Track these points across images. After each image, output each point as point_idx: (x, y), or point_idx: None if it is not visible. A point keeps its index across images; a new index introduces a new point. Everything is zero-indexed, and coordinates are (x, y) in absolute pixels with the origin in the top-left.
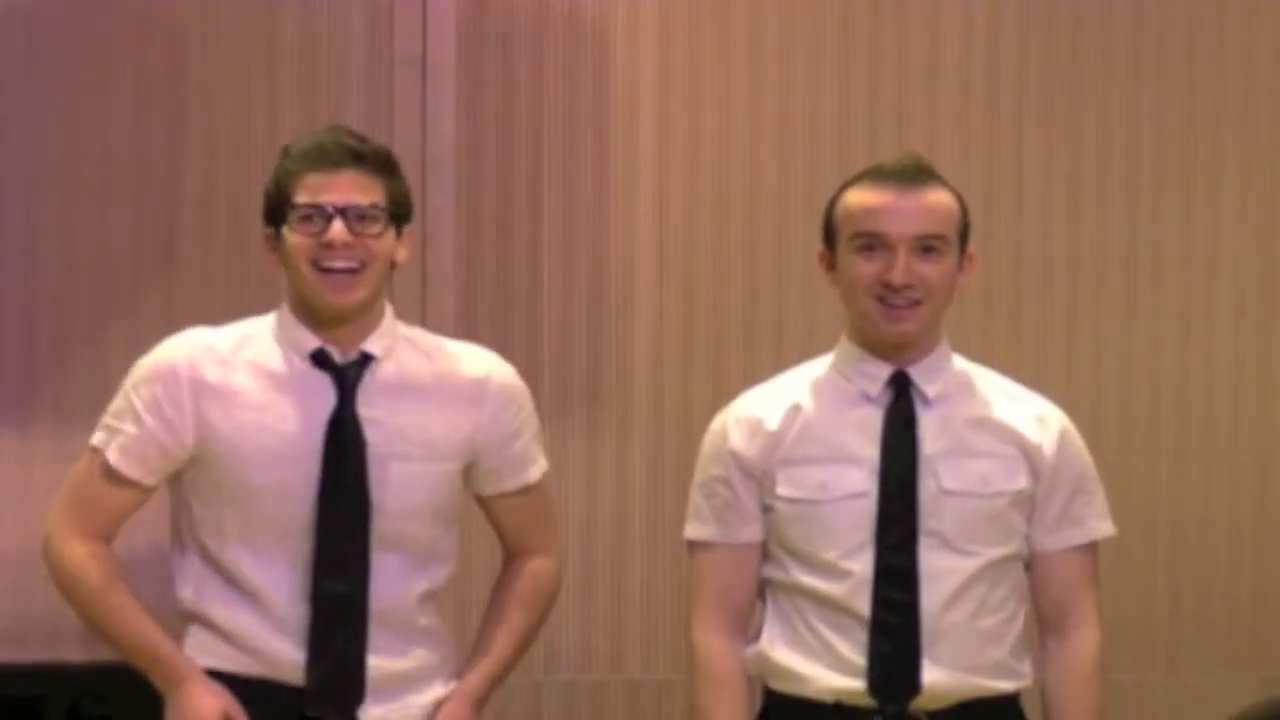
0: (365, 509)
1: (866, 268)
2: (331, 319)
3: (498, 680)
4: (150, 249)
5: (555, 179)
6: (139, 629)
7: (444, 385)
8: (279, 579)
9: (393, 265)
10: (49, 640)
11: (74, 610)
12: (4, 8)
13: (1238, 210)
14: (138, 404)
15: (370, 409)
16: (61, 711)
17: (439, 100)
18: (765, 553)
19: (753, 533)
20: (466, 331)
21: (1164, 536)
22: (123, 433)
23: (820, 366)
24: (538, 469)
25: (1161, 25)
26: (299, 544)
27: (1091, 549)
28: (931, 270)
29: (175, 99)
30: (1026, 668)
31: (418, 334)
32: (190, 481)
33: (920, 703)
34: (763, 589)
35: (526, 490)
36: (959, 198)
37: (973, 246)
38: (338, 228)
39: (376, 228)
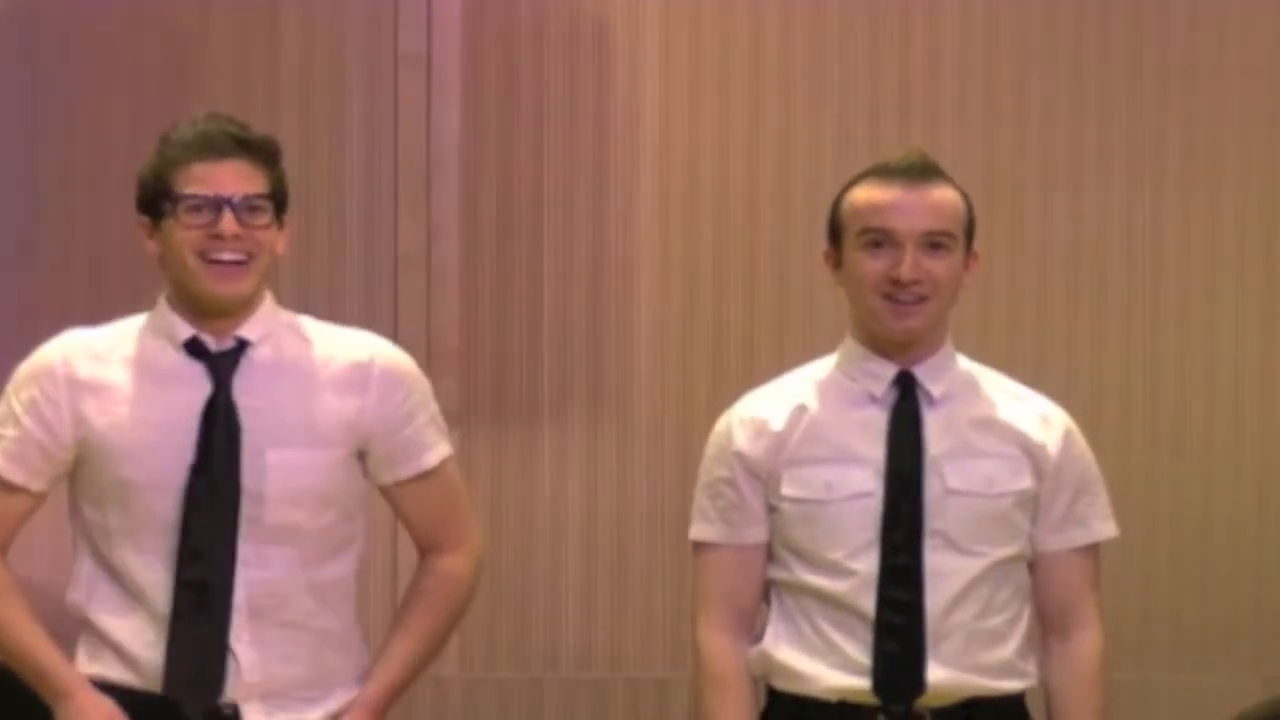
0: (235, 496)
1: (874, 264)
2: (214, 310)
3: (399, 689)
4: (135, 251)
5: (559, 177)
6: (23, 639)
7: (325, 369)
8: (160, 578)
9: (274, 255)
10: None
11: None
12: (1, 9)
13: (1239, 207)
14: (16, 407)
15: (248, 396)
16: None
17: (443, 99)
18: (770, 553)
19: (758, 534)
20: (471, 329)
21: (1165, 536)
22: (5, 438)
23: (825, 366)
24: (436, 454)
25: (1163, 21)
26: (175, 540)
27: (1094, 550)
28: (938, 266)
29: (175, 99)
30: (1032, 667)
31: (302, 320)
32: (76, 483)
33: (924, 701)
34: (767, 589)
35: (424, 476)
36: (964, 195)
37: (977, 244)
38: (229, 219)
39: (265, 218)
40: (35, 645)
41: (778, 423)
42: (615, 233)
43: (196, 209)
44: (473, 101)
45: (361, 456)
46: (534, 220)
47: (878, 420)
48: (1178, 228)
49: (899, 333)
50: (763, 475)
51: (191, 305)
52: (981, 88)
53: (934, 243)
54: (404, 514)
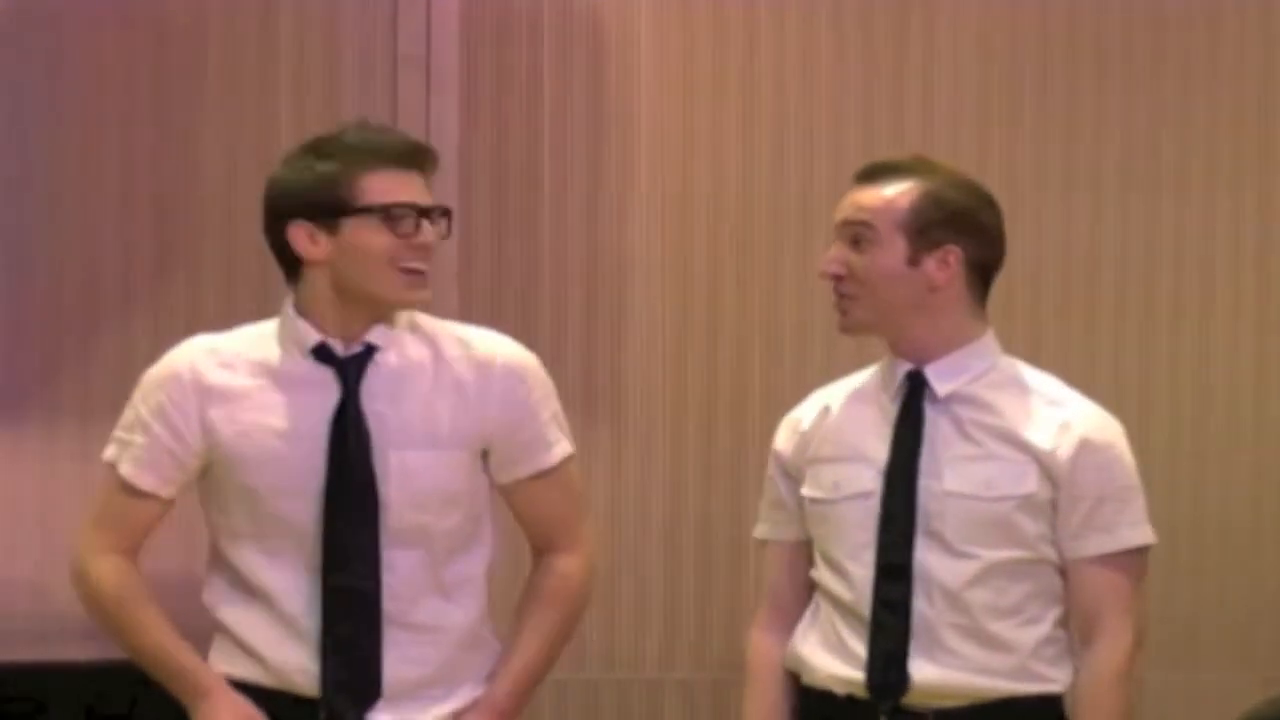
0: (373, 502)
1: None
2: (384, 315)
3: (526, 688)
4: (143, 250)
5: (559, 179)
6: (158, 640)
7: (448, 371)
8: (291, 581)
9: None
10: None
11: (100, 627)
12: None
13: (1259, 206)
14: (145, 413)
15: (374, 402)
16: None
17: (442, 100)
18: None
19: (796, 531)
20: None
21: (1167, 536)
22: (134, 444)
23: (871, 369)
24: (559, 451)
25: (1181, 22)
26: (310, 545)
27: (1123, 557)
28: (858, 260)
29: (172, 100)
30: (1058, 673)
31: (422, 319)
32: (204, 487)
33: (916, 700)
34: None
35: (543, 475)
36: (929, 195)
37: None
38: (428, 229)
39: (444, 230)
40: (171, 646)
41: (807, 422)
42: (612, 233)
43: (400, 218)
44: (471, 103)
45: (484, 455)
46: (532, 221)
47: (886, 419)
48: (1199, 229)
49: (841, 330)
50: (793, 474)
51: (363, 309)
52: (975, 90)
53: (852, 235)
54: (521, 513)
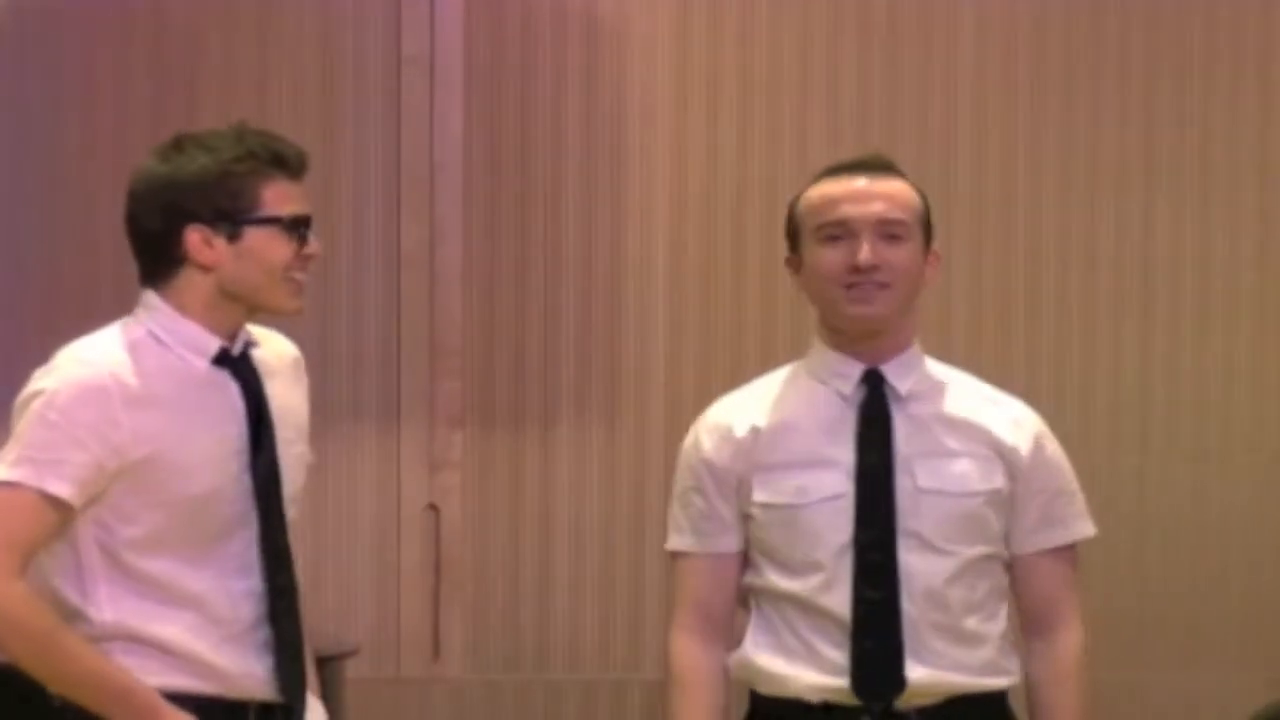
0: (281, 500)
1: (832, 256)
2: (248, 318)
3: None
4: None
5: (563, 179)
6: (93, 665)
7: (283, 364)
8: (219, 584)
9: None
10: None
11: (15, 655)
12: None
13: (1258, 211)
14: (76, 430)
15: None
16: None
17: (446, 100)
18: (746, 560)
19: (729, 542)
20: (475, 331)
21: (1169, 536)
22: (66, 462)
23: (791, 371)
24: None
25: (1187, 29)
26: (233, 547)
27: (1071, 549)
28: (895, 255)
29: (172, 100)
30: (1014, 665)
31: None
32: (105, 502)
33: (906, 699)
34: (744, 596)
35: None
36: (921, 193)
37: (937, 246)
38: (314, 241)
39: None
40: (109, 669)
41: (743, 428)
42: (619, 234)
43: (301, 230)
44: (475, 103)
45: None
46: (537, 222)
47: (847, 420)
48: (1195, 230)
49: (859, 319)
50: (732, 482)
51: (241, 311)
52: (998, 92)
53: (890, 232)
54: None
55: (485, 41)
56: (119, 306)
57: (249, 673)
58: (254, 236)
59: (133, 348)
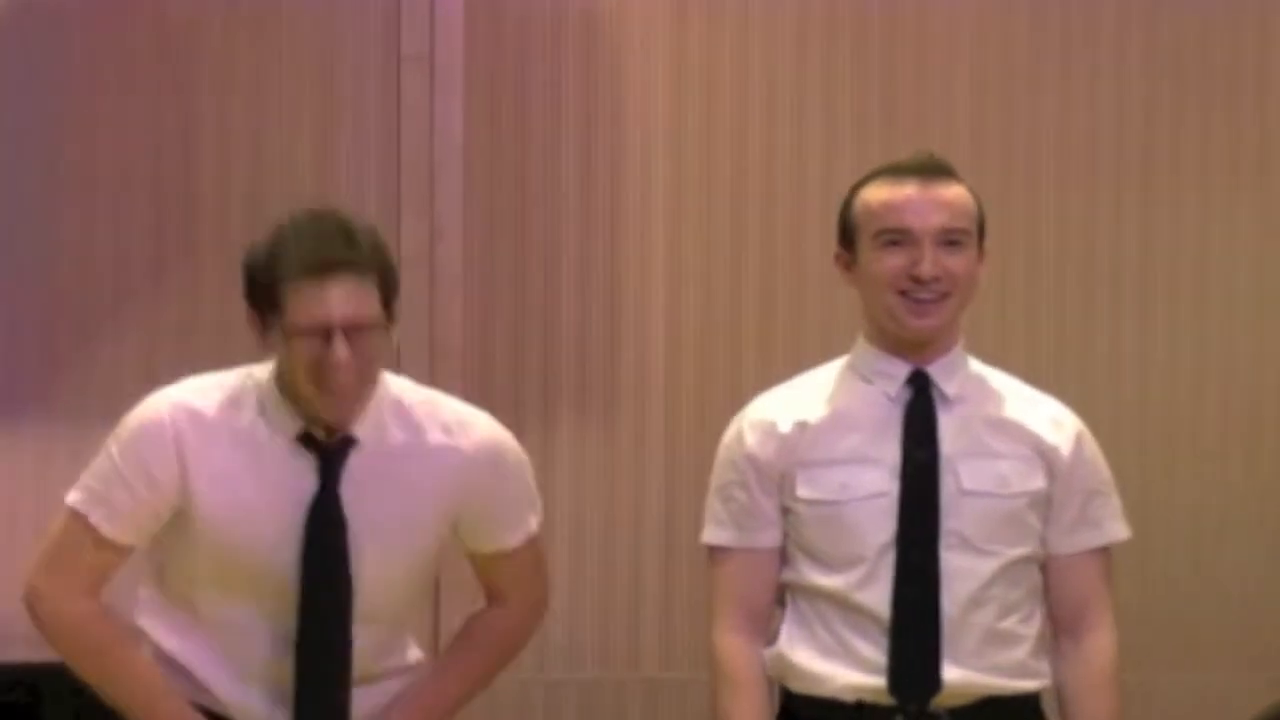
0: (347, 590)
1: (892, 262)
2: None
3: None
4: (138, 251)
5: (563, 178)
6: (145, 686)
7: (429, 458)
8: (250, 621)
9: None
10: None
11: (75, 669)
12: None
13: (1261, 209)
14: (125, 469)
15: (352, 491)
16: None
17: (447, 98)
18: (784, 556)
19: (771, 537)
20: (475, 330)
21: (1166, 536)
22: (112, 500)
23: (837, 368)
24: (522, 533)
25: (1181, 28)
26: (274, 602)
27: (1107, 551)
28: (956, 263)
29: (172, 100)
30: (1045, 668)
31: (406, 395)
32: (167, 532)
33: (940, 700)
34: (781, 592)
35: (505, 554)
36: (975, 194)
37: (987, 244)
38: (340, 349)
39: (373, 343)
40: (159, 691)
41: (787, 424)
42: (620, 232)
43: (306, 339)
44: (476, 101)
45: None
46: (538, 221)
47: (892, 419)
48: (1195, 228)
49: (917, 330)
50: (775, 477)
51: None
52: (997, 87)
53: (951, 240)
54: (479, 575)
55: (485, 41)
56: (119, 309)
57: (261, 715)
58: (279, 336)
59: (224, 408)
